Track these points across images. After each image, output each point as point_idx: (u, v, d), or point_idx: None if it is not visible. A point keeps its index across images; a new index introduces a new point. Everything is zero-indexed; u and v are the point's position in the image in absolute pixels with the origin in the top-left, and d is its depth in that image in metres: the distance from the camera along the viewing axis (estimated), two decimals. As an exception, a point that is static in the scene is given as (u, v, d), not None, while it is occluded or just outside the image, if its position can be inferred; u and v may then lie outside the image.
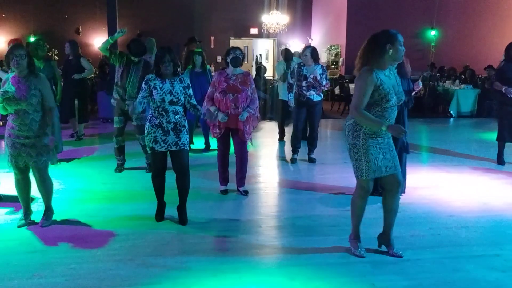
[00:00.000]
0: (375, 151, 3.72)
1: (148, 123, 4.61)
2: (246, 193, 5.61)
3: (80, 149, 8.09)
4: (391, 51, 3.65)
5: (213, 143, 8.41)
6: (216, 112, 5.24)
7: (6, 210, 5.01)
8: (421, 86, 5.41)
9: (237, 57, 5.39)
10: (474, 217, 4.91)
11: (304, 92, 7.00)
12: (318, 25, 19.14)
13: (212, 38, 17.77)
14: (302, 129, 7.43)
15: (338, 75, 16.38)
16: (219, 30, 18.01)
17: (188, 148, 4.75)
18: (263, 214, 5.05)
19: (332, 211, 5.09)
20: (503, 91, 6.86)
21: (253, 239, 4.34)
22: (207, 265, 3.77)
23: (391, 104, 3.69)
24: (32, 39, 15.72)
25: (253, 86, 5.53)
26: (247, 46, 20.02)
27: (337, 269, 3.72)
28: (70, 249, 4.05)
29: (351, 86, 13.35)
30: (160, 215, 4.75)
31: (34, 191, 4.68)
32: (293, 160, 7.31)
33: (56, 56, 15.32)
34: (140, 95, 4.60)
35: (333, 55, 17.72)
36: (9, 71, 4.46)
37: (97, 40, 16.45)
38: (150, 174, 6.34)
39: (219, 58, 17.67)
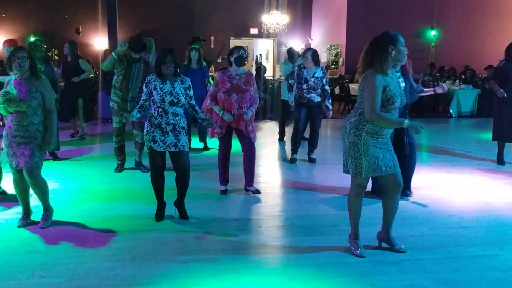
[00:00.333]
0: (375, 151, 3.73)
1: (147, 122, 4.63)
2: (258, 192, 5.61)
3: (80, 149, 8.09)
4: (393, 52, 3.66)
5: (211, 143, 8.42)
6: (221, 112, 5.24)
7: (6, 210, 5.01)
8: (446, 88, 5.46)
9: (242, 57, 5.38)
10: (474, 217, 4.91)
11: (305, 94, 7.01)
12: (318, 25, 19.14)
13: (212, 38, 17.76)
14: (302, 130, 7.43)
15: (338, 75, 16.38)
16: (219, 30, 18.01)
17: (188, 149, 4.75)
18: (263, 214, 5.05)
19: (332, 211, 5.09)
20: (495, 91, 6.90)
21: (253, 239, 4.34)
22: (207, 265, 3.77)
23: (395, 106, 3.71)
24: (32, 39, 15.75)
25: (255, 86, 5.54)
26: (247, 46, 20.00)
27: (337, 269, 3.72)
28: (70, 249, 4.06)
29: (351, 86, 13.36)
30: (160, 215, 4.76)
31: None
32: (293, 160, 7.31)
33: (56, 56, 15.33)
34: (142, 98, 4.64)
35: (333, 55, 17.72)
36: (11, 73, 4.45)
37: (97, 40, 16.45)
38: (149, 174, 6.39)
39: (219, 59, 17.69)
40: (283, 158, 7.70)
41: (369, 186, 5.94)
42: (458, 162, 7.39)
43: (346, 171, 3.91)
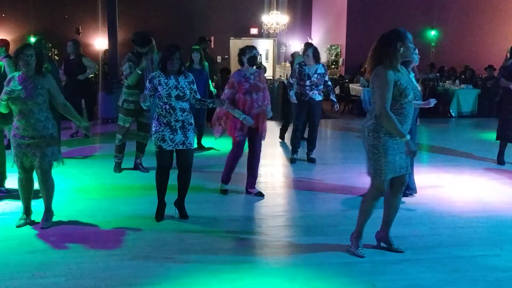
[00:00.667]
0: (394, 152, 3.72)
1: (155, 122, 4.60)
2: (261, 195, 5.52)
3: (80, 149, 8.09)
4: (402, 49, 3.65)
5: (207, 143, 8.43)
6: (243, 117, 5.18)
7: (6, 210, 5.01)
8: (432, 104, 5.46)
9: (255, 56, 5.34)
10: (474, 217, 4.91)
11: (307, 91, 7.02)
12: (318, 25, 19.13)
13: (212, 38, 17.74)
14: (302, 129, 7.43)
15: (338, 75, 16.37)
16: (219, 30, 18.00)
17: (193, 147, 4.76)
18: (263, 214, 5.05)
19: (332, 211, 5.09)
20: (511, 88, 6.89)
21: (253, 239, 4.35)
22: (207, 265, 3.77)
23: (409, 99, 3.69)
24: (32, 39, 15.74)
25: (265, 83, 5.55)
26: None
27: (337, 269, 3.72)
28: (70, 249, 4.06)
29: (351, 86, 13.37)
30: (160, 215, 4.76)
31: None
32: (293, 160, 7.31)
33: (56, 56, 15.31)
34: (145, 92, 4.57)
35: (333, 55, 17.70)
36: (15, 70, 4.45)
37: (97, 40, 16.44)
38: (149, 174, 6.40)
39: (219, 58, 17.68)
40: (282, 158, 7.70)
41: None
42: (458, 162, 7.39)
43: (368, 174, 3.89)
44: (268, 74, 15.62)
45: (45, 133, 4.35)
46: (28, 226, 4.51)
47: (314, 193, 5.76)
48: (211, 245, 4.19)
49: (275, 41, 19.29)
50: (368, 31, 15.86)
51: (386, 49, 3.65)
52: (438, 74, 14.65)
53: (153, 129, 4.62)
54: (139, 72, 6.09)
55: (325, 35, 18.54)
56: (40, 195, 4.61)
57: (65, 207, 5.06)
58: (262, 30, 17.44)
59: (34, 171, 4.50)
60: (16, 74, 4.35)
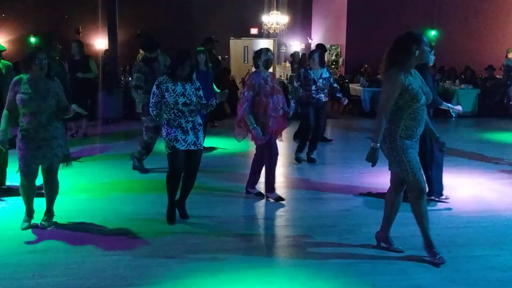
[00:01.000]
0: (413, 151, 3.74)
1: (165, 126, 4.58)
2: (281, 199, 5.39)
3: (80, 149, 8.08)
4: (417, 52, 3.65)
5: (208, 143, 8.42)
6: (254, 126, 5.09)
7: (6, 210, 5.01)
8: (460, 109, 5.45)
9: (270, 59, 5.29)
10: (474, 217, 4.91)
11: (314, 95, 7.05)
12: (318, 25, 19.13)
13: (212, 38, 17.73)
14: (312, 128, 7.40)
15: (338, 75, 16.37)
16: (219, 30, 17.97)
17: (202, 149, 4.76)
18: (263, 214, 5.04)
19: (332, 211, 5.09)
20: None
21: (253, 239, 4.35)
22: (207, 265, 3.77)
23: (421, 104, 3.69)
24: (32, 39, 15.74)
25: None
26: (247, 46, 20.00)
27: (337, 269, 3.72)
28: (70, 249, 4.06)
29: (351, 86, 13.37)
30: (173, 218, 4.69)
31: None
32: (299, 160, 7.20)
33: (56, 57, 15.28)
34: (152, 100, 4.53)
35: (333, 55, 17.70)
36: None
37: (97, 40, 16.44)
38: (148, 174, 6.40)
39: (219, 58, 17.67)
40: (282, 158, 7.69)
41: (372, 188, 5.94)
42: (458, 162, 7.39)
43: (401, 175, 3.84)
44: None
45: (56, 133, 4.38)
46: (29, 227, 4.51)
47: (314, 193, 5.76)
48: (211, 245, 4.19)
49: (275, 41, 19.29)
50: (368, 31, 15.88)
51: (402, 52, 3.65)
52: (438, 74, 14.65)
53: (164, 133, 4.59)
54: (140, 103, 6.23)
55: (325, 35, 18.53)
56: (43, 191, 4.59)
57: (65, 207, 5.06)
58: (262, 30, 17.43)
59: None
60: (24, 77, 4.35)
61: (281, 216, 4.98)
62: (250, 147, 8.14)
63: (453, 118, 12.60)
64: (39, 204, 4.67)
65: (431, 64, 5.09)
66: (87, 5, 16.10)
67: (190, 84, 4.59)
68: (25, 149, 4.31)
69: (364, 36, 15.47)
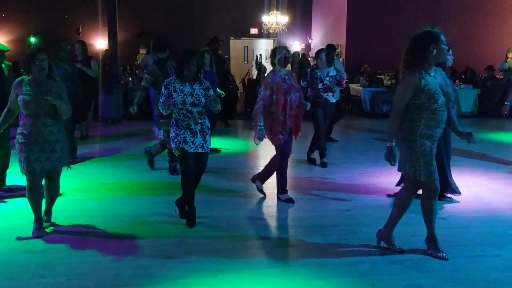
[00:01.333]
0: (431, 153, 3.73)
1: (173, 127, 4.56)
2: (291, 201, 5.35)
3: (79, 149, 8.07)
4: (435, 51, 3.63)
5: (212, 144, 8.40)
6: (261, 125, 5.08)
7: (6, 210, 5.01)
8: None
9: (285, 57, 5.26)
10: (474, 217, 4.91)
11: (322, 94, 7.05)
12: (318, 25, 19.13)
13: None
14: (324, 129, 7.39)
15: (338, 75, 16.38)
16: (219, 30, 17.97)
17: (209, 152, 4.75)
18: (263, 214, 5.04)
19: (332, 211, 5.09)
20: None
21: (253, 239, 4.35)
22: (207, 265, 3.77)
23: (439, 105, 3.66)
24: (32, 39, 15.74)
25: None
26: (247, 46, 20.01)
27: (337, 269, 3.72)
28: (70, 249, 4.06)
29: (351, 86, 13.37)
30: (193, 220, 4.61)
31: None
32: (324, 164, 7.07)
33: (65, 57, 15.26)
34: (161, 100, 4.53)
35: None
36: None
37: (97, 40, 16.44)
38: (148, 174, 6.40)
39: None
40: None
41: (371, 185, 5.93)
42: (458, 162, 7.38)
43: (407, 175, 3.86)
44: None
45: (59, 136, 4.35)
46: (27, 227, 4.49)
47: (314, 193, 5.76)
48: (211, 245, 4.19)
49: (275, 41, 19.28)
50: (368, 31, 15.88)
51: (419, 51, 3.63)
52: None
53: (173, 133, 4.56)
54: (134, 109, 6.32)
55: (325, 35, 18.53)
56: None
57: (65, 207, 5.05)
58: (262, 30, 17.43)
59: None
60: (26, 78, 4.33)
61: (281, 216, 4.98)
62: (250, 147, 8.15)
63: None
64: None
65: (449, 65, 5.02)
66: (87, 5, 16.10)
67: (198, 85, 4.55)
68: (28, 151, 4.25)
69: (364, 36, 15.46)
